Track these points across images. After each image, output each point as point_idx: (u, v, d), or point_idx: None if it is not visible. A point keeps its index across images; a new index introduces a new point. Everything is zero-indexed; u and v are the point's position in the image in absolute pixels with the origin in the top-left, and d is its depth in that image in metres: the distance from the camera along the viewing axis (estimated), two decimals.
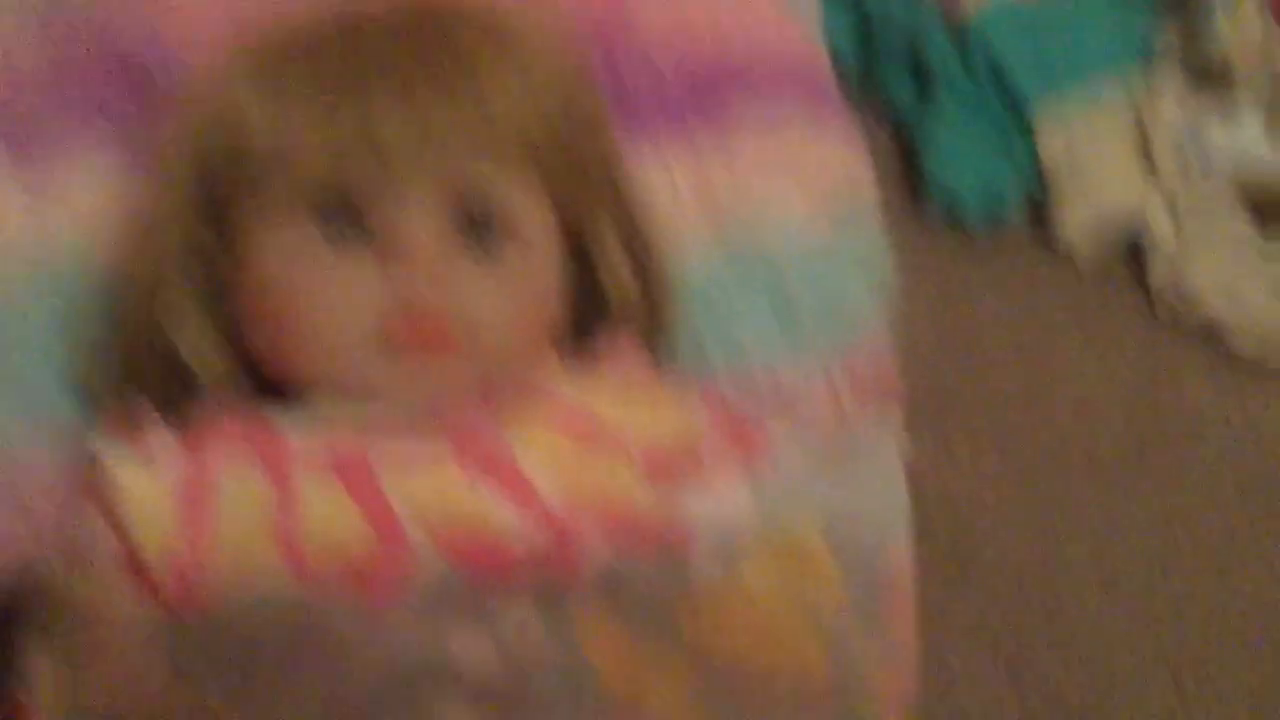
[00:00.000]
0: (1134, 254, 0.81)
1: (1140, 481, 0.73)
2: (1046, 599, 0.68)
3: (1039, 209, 0.82)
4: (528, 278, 0.54)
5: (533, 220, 0.54)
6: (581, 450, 0.50)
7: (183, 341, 0.54)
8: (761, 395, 0.61)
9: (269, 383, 0.54)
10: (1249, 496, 0.73)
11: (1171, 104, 0.83)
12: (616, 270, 0.57)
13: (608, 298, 0.58)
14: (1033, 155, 0.82)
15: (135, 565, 0.47)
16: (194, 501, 0.48)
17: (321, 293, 0.51)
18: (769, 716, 0.47)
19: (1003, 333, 0.78)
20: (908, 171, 0.82)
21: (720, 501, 0.48)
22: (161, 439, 0.50)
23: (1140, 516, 0.72)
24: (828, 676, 0.48)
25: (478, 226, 0.52)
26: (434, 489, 0.48)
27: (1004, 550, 0.70)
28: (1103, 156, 0.82)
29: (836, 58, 0.69)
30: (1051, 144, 0.82)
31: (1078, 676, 0.66)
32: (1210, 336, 0.78)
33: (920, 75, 0.84)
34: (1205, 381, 0.77)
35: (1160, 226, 0.80)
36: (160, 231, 0.55)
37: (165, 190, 0.55)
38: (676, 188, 0.64)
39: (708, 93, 0.65)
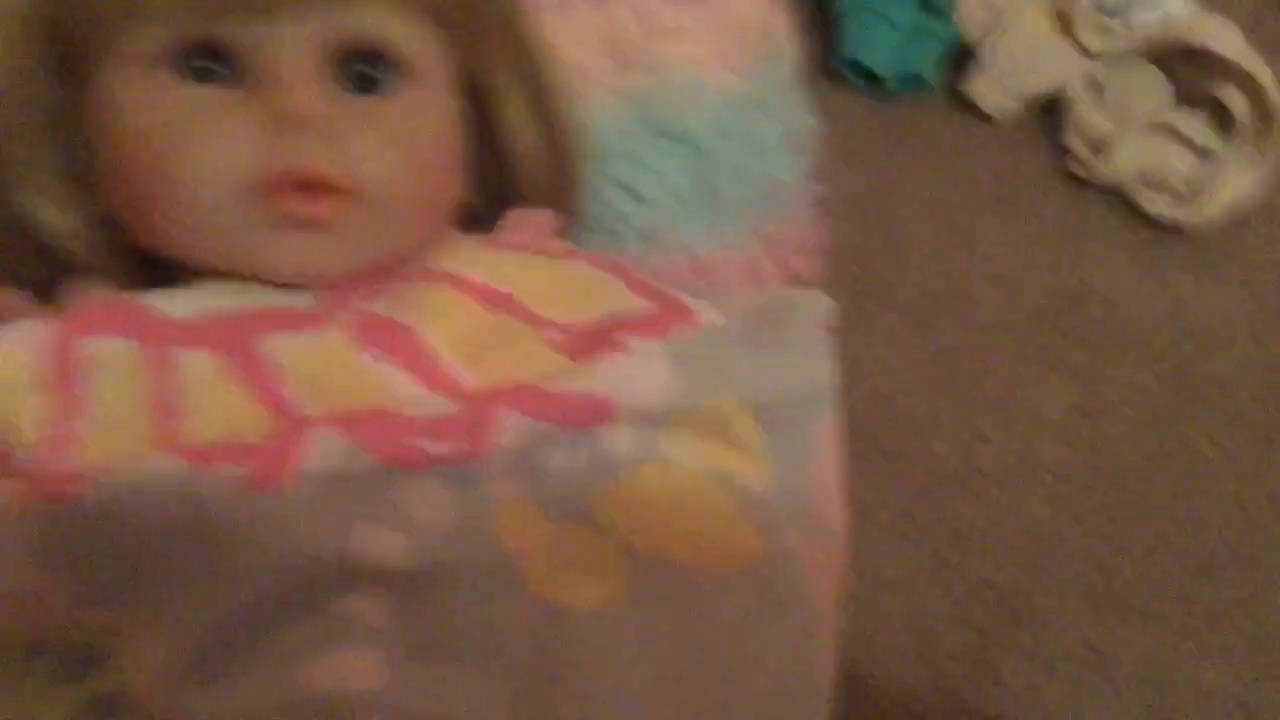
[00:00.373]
0: (1051, 117, 0.79)
1: (1059, 355, 0.72)
2: (969, 489, 0.67)
3: (956, 73, 0.80)
4: (421, 123, 0.49)
5: (427, 63, 0.49)
6: (490, 325, 0.47)
7: (39, 214, 0.49)
8: (678, 266, 0.59)
9: (142, 265, 0.49)
10: (1166, 366, 0.72)
11: None
12: (520, 128, 0.53)
13: (512, 164, 0.54)
14: (952, 28, 0.80)
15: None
16: (62, 383, 0.44)
17: (188, 144, 0.45)
18: (698, 604, 0.44)
19: (919, 198, 0.75)
20: (820, 26, 0.78)
21: (639, 376, 0.45)
22: (26, 320, 0.46)
23: (1060, 394, 0.70)
24: (757, 552, 0.45)
25: (364, 68, 0.48)
26: (330, 365, 0.45)
27: (925, 432, 0.68)
28: (1023, 26, 0.80)
29: None
30: (972, 16, 0.80)
31: (1004, 566, 0.64)
32: (1125, 199, 0.77)
33: None
34: (1121, 246, 0.76)
35: (1078, 91, 0.79)
36: (3, 91, 0.49)
37: (4, 45, 0.49)
38: (587, 48, 0.60)
39: None
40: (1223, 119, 0.78)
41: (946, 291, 0.73)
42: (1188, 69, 0.79)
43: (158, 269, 0.48)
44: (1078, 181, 0.78)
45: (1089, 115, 0.78)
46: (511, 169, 0.54)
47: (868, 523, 0.63)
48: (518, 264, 0.50)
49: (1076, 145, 0.78)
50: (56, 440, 0.43)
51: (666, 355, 0.45)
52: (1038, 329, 0.72)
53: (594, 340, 0.46)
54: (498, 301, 0.48)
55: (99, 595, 0.42)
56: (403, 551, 0.41)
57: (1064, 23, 0.80)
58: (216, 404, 0.43)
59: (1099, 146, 0.78)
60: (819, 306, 0.49)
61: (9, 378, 0.44)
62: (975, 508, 0.66)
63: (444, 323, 0.46)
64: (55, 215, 0.49)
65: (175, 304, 0.46)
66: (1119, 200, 0.77)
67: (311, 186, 0.45)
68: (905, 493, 0.66)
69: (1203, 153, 0.78)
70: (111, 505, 0.41)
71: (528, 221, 0.52)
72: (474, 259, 0.49)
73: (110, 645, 0.42)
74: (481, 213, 0.53)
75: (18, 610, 0.43)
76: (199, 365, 0.44)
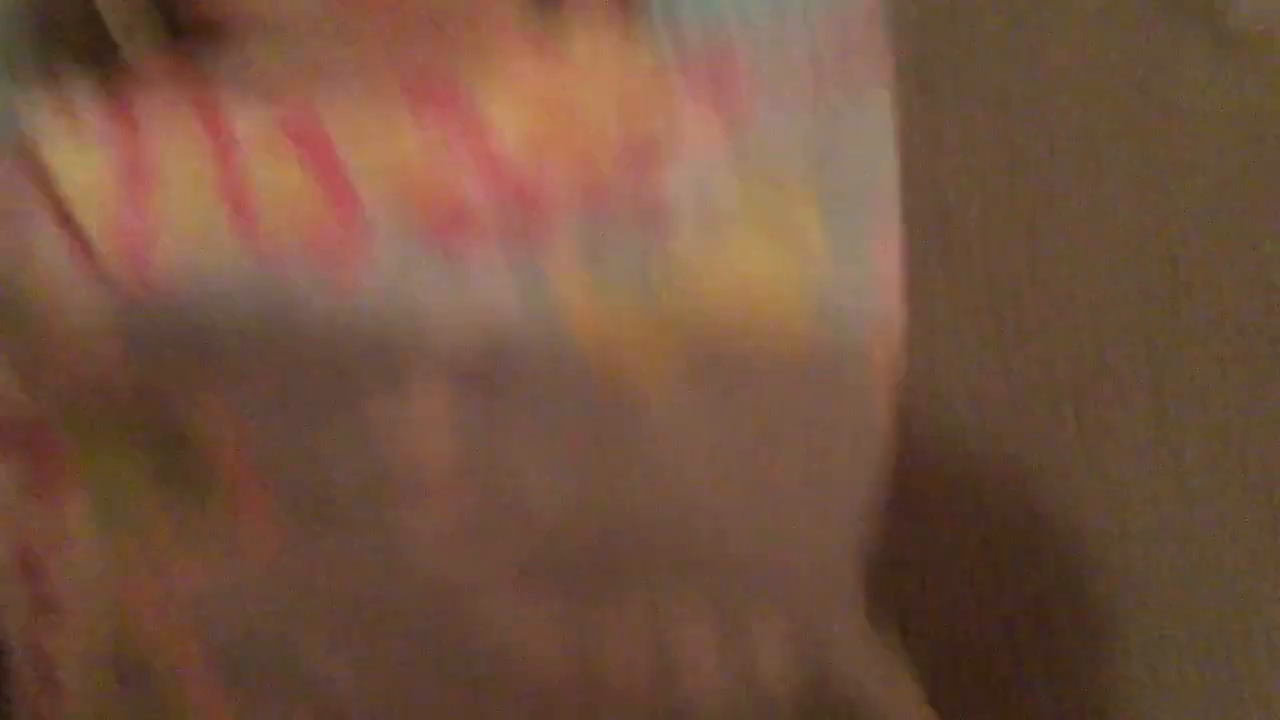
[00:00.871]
0: None
1: (1131, 160, 0.71)
2: (1033, 283, 0.68)
3: None
4: None
5: None
6: (550, 111, 0.48)
7: None
8: (739, 71, 0.59)
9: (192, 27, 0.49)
10: (1236, 167, 0.71)
11: None
12: None
13: None
14: None
15: (80, 248, 0.45)
16: (135, 177, 0.45)
17: None
18: (756, 387, 0.46)
19: (994, 2, 0.74)
20: None
21: (699, 161, 0.46)
22: (95, 115, 0.47)
23: (1129, 196, 0.70)
24: (815, 339, 0.46)
25: None
26: (391, 149, 0.46)
27: (991, 233, 0.69)
28: None
29: None
30: None
31: (1063, 360, 0.66)
32: (1210, 9, 0.75)
33: None
34: (1202, 57, 0.74)
35: None
36: None
37: None
38: None
39: None
40: None
41: (1018, 93, 0.72)
42: None
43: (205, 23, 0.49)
44: None
45: None
46: None
47: (928, 315, 0.64)
48: (577, 45, 0.50)
49: None
50: (134, 233, 0.44)
51: (725, 134, 0.46)
52: (1110, 130, 0.72)
53: (653, 138, 0.47)
54: (557, 85, 0.48)
55: (184, 377, 0.44)
56: (469, 331, 0.43)
57: None
58: (281, 190, 0.45)
59: None
60: (881, 88, 0.49)
61: (89, 174, 0.45)
62: (1039, 299, 0.67)
63: (502, 103, 0.47)
64: None
65: (236, 79, 0.47)
66: (1200, 7, 0.75)
67: None
68: (969, 287, 0.67)
69: None
70: (187, 297, 0.43)
71: (588, 13, 0.53)
72: (534, 38, 0.50)
73: (195, 423, 0.45)
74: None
75: (109, 391, 0.45)
76: (263, 151, 0.45)
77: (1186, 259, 0.69)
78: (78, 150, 0.46)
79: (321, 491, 0.44)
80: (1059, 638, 0.61)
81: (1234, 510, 0.64)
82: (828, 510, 0.47)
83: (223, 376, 0.44)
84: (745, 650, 0.46)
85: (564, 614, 0.44)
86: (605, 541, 0.44)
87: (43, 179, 0.46)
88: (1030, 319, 0.67)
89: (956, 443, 0.63)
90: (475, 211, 0.44)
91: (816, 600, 0.48)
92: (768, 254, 0.46)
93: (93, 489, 0.47)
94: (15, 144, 0.48)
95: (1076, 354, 0.66)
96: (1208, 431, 0.65)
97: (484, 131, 0.46)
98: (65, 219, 0.45)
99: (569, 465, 0.44)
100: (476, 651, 0.44)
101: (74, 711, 0.48)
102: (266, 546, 0.45)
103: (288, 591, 0.45)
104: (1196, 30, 0.75)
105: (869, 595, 0.49)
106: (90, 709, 0.48)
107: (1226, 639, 0.62)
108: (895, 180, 0.48)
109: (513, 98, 0.47)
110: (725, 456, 0.45)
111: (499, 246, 0.44)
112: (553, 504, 0.44)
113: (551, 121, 0.47)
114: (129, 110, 0.47)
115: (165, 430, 0.45)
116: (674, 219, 0.45)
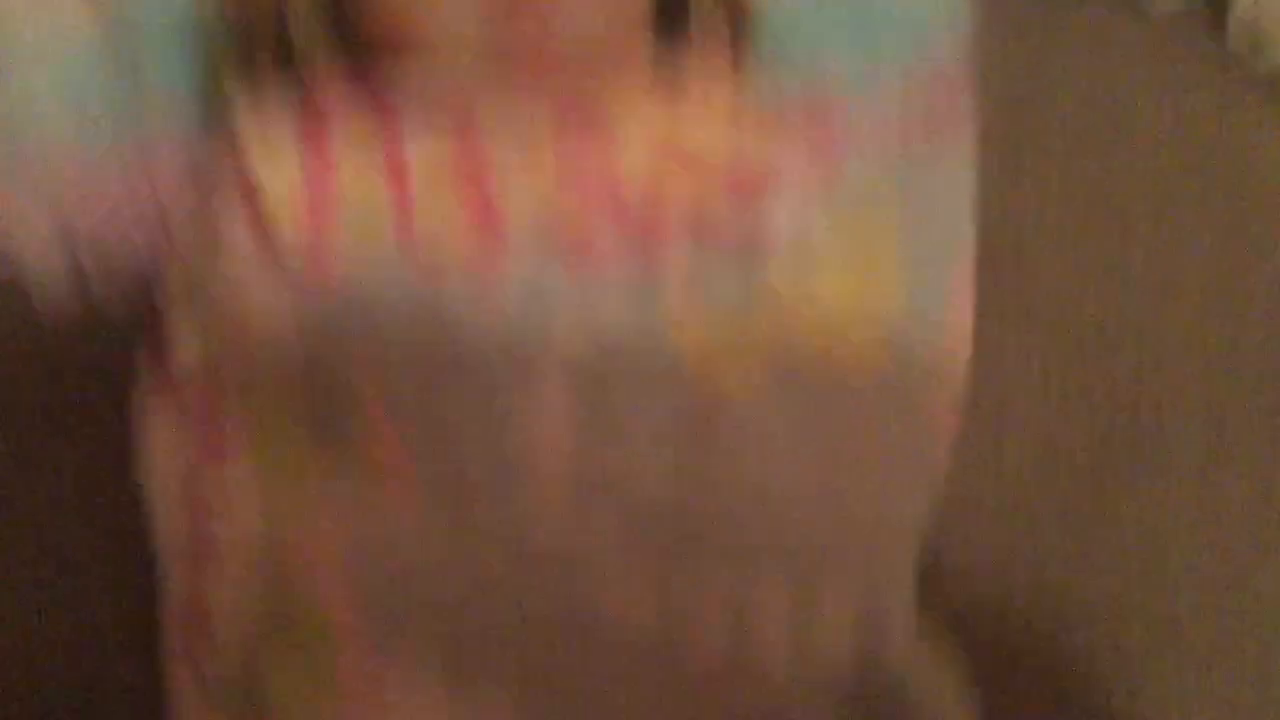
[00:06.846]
0: (1213, 9, 0.80)
1: (1199, 229, 0.74)
2: (1101, 334, 0.71)
3: None
4: None
5: None
6: (669, 150, 0.54)
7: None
8: (835, 119, 0.64)
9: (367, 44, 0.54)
10: None
11: None
12: None
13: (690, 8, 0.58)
14: None
15: (268, 244, 0.52)
16: (319, 187, 0.52)
17: None
18: (831, 406, 0.52)
19: (1074, 76, 0.77)
20: None
21: (795, 214, 0.53)
22: (289, 125, 0.53)
23: (1197, 260, 0.74)
24: (888, 372, 0.53)
25: None
26: (535, 181, 0.52)
27: (1061, 287, 0.72)
28: None
29: None
30: None
31: (1124, 416, 0.69)
32: None
33: None
34: (1274, 134, 0.77)
35: None
36: None
37: None
38: None
39: None
40: None
41: (1096, 150, 0.75)
42: None
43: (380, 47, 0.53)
44: (1237, 74, 0.78)
45: (1251, 6, 0.80)
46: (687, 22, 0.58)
47: (995, 358, 0.67)
48: (692, 107, 0.56)
49: (1238, 34, 0.80)
50: (314, 241, 0.52)
51: (821, 193, 0.53)
52: (1185, 197, 0.75)
53: (756, 180, 0.54)
54: (674, 141, 0.55)
55: (347, 363, 0.52)
56: (588, 343, 0.50)
57: None
58: (441, 211, 0.52)
59: (1259, 34, 0.79)
60: (964, 157, 0.55)
61: (280, 185, 0.52)
62: (1103, 355, 0.71)
63: (633, 144, 0.54)
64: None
65: (399, 82, 0.53)
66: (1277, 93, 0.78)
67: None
68: (1036, 334, 0.70)
69: None
70: (355, 297, 0.51)
71: (701, 67, 0.57)
72: (657, 100, 0.56)
73: (352, 402, 0.52)
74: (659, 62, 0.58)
75: (280, 370, 0.53)
76: (429, 176, 0.52)
77: (1248, 320, 0.72)
78: (271, 154, 0.53)
79: (456, 468, 0.51)
80: (1098, 657, 0.66)
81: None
82: (888, 511, 0.54)
83: (380, 366, 0.51)
84: (813, 621, 0.52)
85: (657, 582, 0.51)
86: (697, 522, 0.51)
87: (243, 177, 0.53)
88: (1097, 373, 0.70)
89: (1005, 475, 0.67)
90: (601, 238, 0.52)
91: (878, 585, 0.54)
92: (850, 288, 0.52)
93: (256, 455, 0.53)
94: (224, 141, 0.55)
95: (1139, 413, 0.69)
96: (1256, 502, 0.68)
97: (612, 166, 0.53)
98: (257, 216, 0.52)
99: (668, 456, 0.51)
100: (581, 612, 0.51)
101: (227, 656, 0.54)
102: (407, 512, 0.51)
103: (424, 553, 0.51)
104: (1271, 108, 0.78)
105: (921, 594, 0.54)
106: (241, 654, 0.54)
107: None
108: (972, 228, 0.54)
109: (637, 135, 0.54)
110: (801, 457, 0.52)
111: (618, 267, 0.51)
112: (653, 488, 0.51)
113: (669, 159, 0.54)
114: (319, 124, 0.54)
115: (325, 407, 0.52)
116: (770, 250, 0.52)
